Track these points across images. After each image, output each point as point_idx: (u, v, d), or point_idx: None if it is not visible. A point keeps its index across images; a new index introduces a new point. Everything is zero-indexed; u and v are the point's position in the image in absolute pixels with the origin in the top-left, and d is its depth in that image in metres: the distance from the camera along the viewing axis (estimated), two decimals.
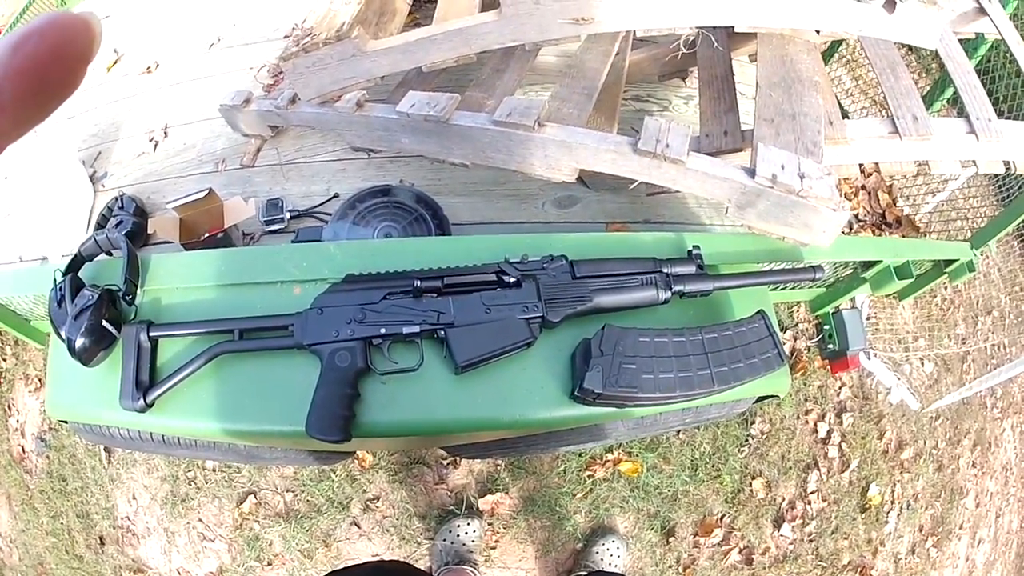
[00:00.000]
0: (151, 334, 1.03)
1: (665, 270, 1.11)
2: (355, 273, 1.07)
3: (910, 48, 2.90)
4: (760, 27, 1.49)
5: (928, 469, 2.19)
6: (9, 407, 2.27)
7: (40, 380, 2.25)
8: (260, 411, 1.04)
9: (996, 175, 2.21)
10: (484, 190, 1.76)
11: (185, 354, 1.04)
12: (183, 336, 1.05)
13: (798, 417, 2.11)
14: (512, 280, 1.06)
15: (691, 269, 1.13)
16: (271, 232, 1.74)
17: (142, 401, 1.00)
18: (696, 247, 1.15)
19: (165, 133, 2.06)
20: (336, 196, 1.78)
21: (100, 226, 1.85)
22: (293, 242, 1.50)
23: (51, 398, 1.13)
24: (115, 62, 2.39)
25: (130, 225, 1.77)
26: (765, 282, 1.19)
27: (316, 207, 1.77)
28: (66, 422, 1.18)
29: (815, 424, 2.13)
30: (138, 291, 1.10)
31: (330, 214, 1.65)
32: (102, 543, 2.01)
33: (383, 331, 1.02)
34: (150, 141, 2.06)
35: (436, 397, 1.05)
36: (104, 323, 1.00)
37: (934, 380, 2.31)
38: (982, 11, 1.65)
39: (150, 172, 1.99)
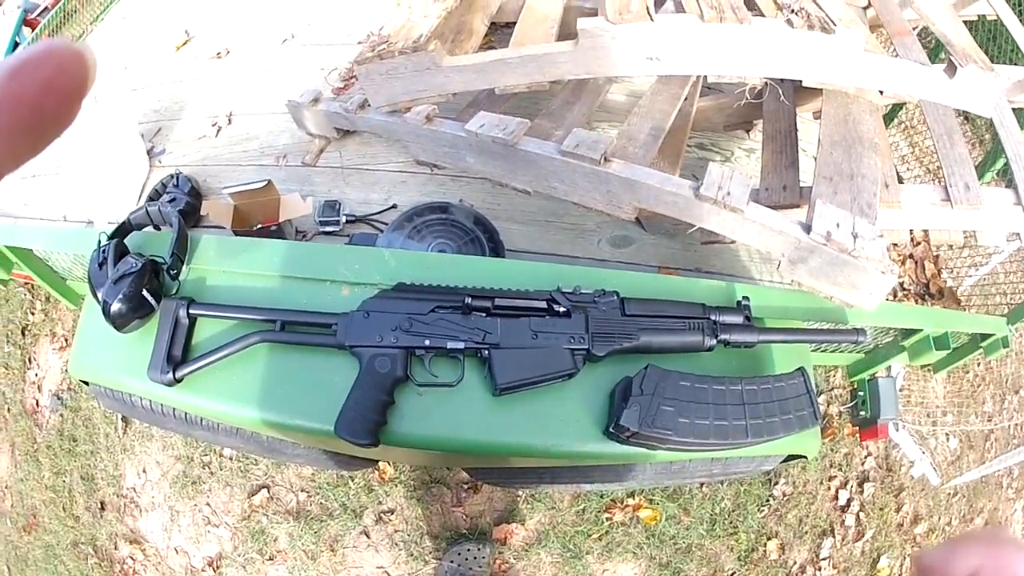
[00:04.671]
0: (191, 311, 1.04)
1: (713, 317, 1.10)
2: (406, 282, 1.08)
3: (967, 118, 2.89)
4: (827, 83, 1.49)
5: None
6: (30, 360, 2.31)
7: (66, 340, 2.28)
8: (291, 404, 1.04)
9: None
10: (542, 220, 1.76)
11: (222, 336, 1.04)
12: (224, 318, 1.06)
13: (821, 482, 2.08)
14: (562, 310, 1.06)
15: (739, 319, 1.11)
16: (325, 233, 1.74)
17: (171, 375, 1.00)
18: (746, 298, 1.14)
19: (229, 120, 2.10)
20: (394, 206, 1.79)
21: (152, 200, 1.88)
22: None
23: (76, 357, 1.13)
24: (185, 42, 2.45)
25: (183, 204, 1.80)
26: (809, 340, 1.18)
27: (373, 215, 1.78)
28: (87, 383, 1.19)
29: (837, 491, 2.09)
30: (183, 267, 1.11)
31: (386, 223, 1.65)
32: (102, 508, 2.03)
33: (427, 343, 1.02)
34: (213, 126, 2.09)
35: (471, 416, 1.04)
36: (144, 292, 1.01)
37: (956, 456, 2.26)
38: None
39: (209, 156, 2.02)
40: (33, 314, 2.36)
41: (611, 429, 1.02)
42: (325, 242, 1.73)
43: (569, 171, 1.26)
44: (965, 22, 1.63)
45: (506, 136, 1.29)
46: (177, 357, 1.02)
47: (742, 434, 1.00)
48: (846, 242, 1.15)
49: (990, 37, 2.05)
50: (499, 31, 1.85)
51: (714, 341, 1.08)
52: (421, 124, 1.44)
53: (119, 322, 1.00)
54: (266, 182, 1.63)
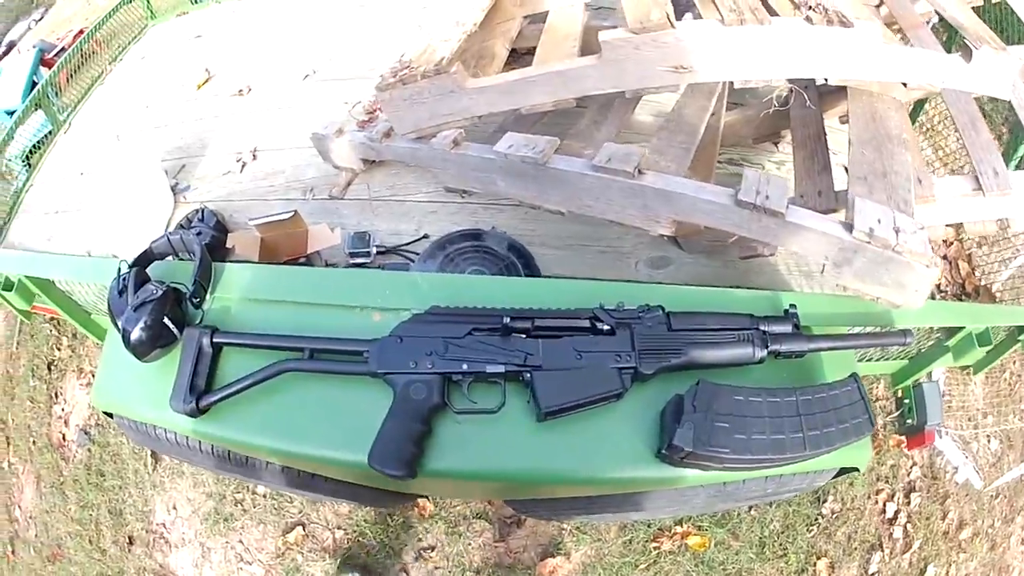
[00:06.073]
0: (215, 340, 1.02)
1: (762, 327, 1.05)
2: (440, 306, 1.04)
3: (984, 114, 2.85)
4: (852, 80, 1.46)
5: (982, 549, 2.09)
6: (56, 395, 2.33)
7: (93, 375, 2.29)
8: (322, 435, 1.00)
9: None
10: (577, 245, 1.71)
11: (248, 366, 1.01)
12: (249, 347, 1.03)
13: (868, 496, 2.03)
14: (606, 328, 1.02)
15: (787, 328, 1.07)
16: (355, 265, 1.71)
17: (194, 405, 0.98)
18: (793, 306, 1.10)
19: (254, 156, 2.09)
20: (426, 237, 1.76)
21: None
22: None
23: (99, 388, 1.12)
24: (206, 81, 2.48)
25: (208, 238, 1.79)
26: (859, 345, 1.14)
27: (404, 245, 1.75)
28: (111, 415, 1.17)
29: (884, 504, 2.04)
30: (207, 296, 1.08)
31: (417, 253, 1.63)
32: (131, 542, 2.02)
33: (465, 367, 0.98)
34: (237, 161, 2.09)
35: (514, 444, 0.99)
36: (165, 320, 0.99)
37: (997, 458, 2.21)
38: None
39: (235, 191, 2.02)
40: (59, 349, 2.38)
41: (664, 451, 0.98)
42: None
43: (603, 187, 1.23)
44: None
45: (536, 155, 1.26)
46: (200, 387, 1.00)
47: (800, 447, 0.95)
48: (889, 238, 1.12)
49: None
50: (519, 59, 1.79)
51: (764, 352, 1.04)
52: (448, 149, 1.41)
53: (140, 350, 0.98)
54: (292, 213, 1.61)
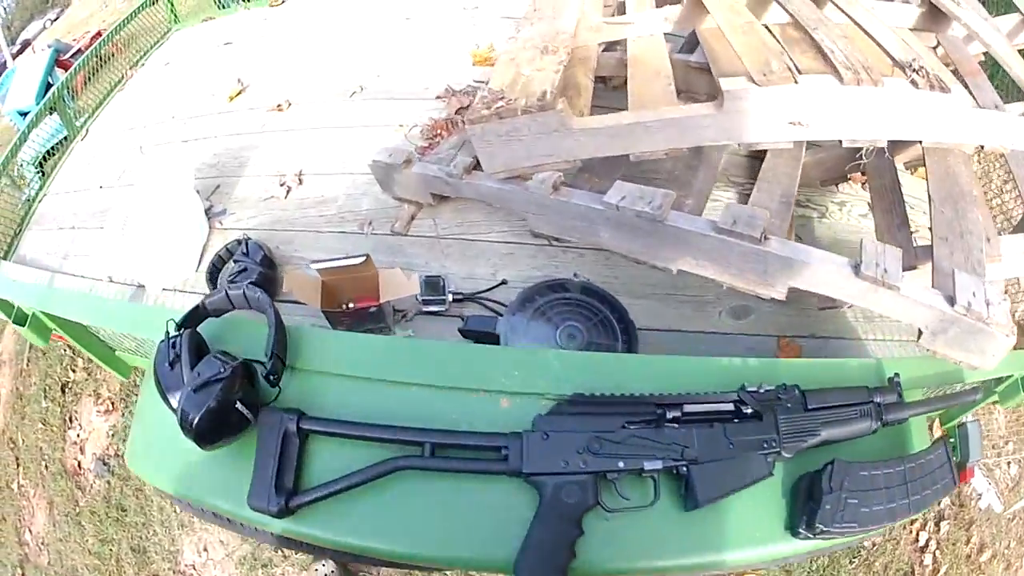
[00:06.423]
0: (302, 426, 0.89)
1: (877, 400, 1.05)
2: (584, 393, 0.97)
3: None
4: (944, 143, 1.45)
5: (999, 569, 2.18)
6: (71, 419, 2.20)
7: (112, 403, 2.17)
8: (449, 539, 0.92)
9: None
10: (661, 294, 1.62)
11: (344, 457, 0.89)
12: (348, 438, 0.90)
13: (904, 527, 2.09)
14: (750, 411, 0.99)
15: (894, 398, 1.07)
16: (428, 313, 1.56)
17: (283, 506, 0.85)
18: (897, 374, 1.09)
19: (300, 180, 1.91)
20: (504, 283, 1.61)
21: (215, 267, 1.72)
22: (461, 331, 1.38)
23: (136, 451, 0.99)
24: (239, 92, 2.28)
25: (255, 275, 1.61)
26: (940, 407, 1.19)
27: (482, 293, 1.59)
28: None
29: (917, 533, 2.11)
30: (284, 369, 0.94)
31: (497, 302, 1.53)
32: None
33: (621, 465, 0.92)
34: (281, 185, 1.91)
35: (662, 536, 0.95)
36: (238, 405, 0.84)
37: (1016, 482, 2.30)
38: None
39: (280, 219, 1.84)
40: (74, 371, 2.24)
41: (801, 529, 0.98)
42: (428, 324, 1.56)
43: (724, 250, 1.18)
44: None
45: (652, 211, 1.19)
46: (288, 484, 0.87)
47: (906, 511, 0.99)
48: (982, 311, 1.14)
49: None
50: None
51: (878, 424, 1.04)
52: (547, 194, 1.32)
53: (204, 440, 0.84)
54: (364, 257, 1.44)
